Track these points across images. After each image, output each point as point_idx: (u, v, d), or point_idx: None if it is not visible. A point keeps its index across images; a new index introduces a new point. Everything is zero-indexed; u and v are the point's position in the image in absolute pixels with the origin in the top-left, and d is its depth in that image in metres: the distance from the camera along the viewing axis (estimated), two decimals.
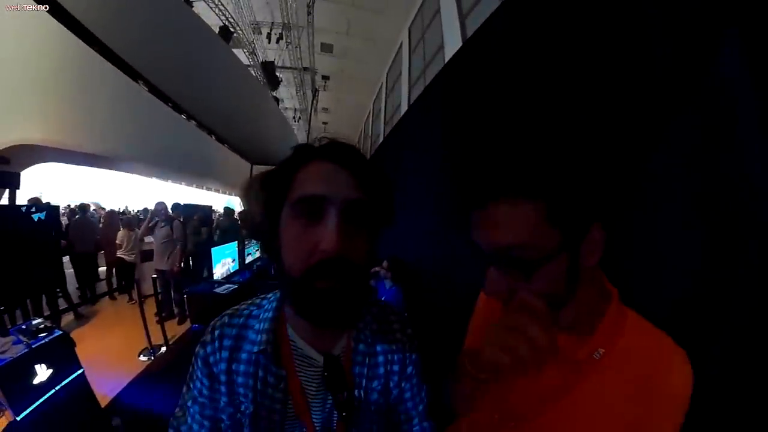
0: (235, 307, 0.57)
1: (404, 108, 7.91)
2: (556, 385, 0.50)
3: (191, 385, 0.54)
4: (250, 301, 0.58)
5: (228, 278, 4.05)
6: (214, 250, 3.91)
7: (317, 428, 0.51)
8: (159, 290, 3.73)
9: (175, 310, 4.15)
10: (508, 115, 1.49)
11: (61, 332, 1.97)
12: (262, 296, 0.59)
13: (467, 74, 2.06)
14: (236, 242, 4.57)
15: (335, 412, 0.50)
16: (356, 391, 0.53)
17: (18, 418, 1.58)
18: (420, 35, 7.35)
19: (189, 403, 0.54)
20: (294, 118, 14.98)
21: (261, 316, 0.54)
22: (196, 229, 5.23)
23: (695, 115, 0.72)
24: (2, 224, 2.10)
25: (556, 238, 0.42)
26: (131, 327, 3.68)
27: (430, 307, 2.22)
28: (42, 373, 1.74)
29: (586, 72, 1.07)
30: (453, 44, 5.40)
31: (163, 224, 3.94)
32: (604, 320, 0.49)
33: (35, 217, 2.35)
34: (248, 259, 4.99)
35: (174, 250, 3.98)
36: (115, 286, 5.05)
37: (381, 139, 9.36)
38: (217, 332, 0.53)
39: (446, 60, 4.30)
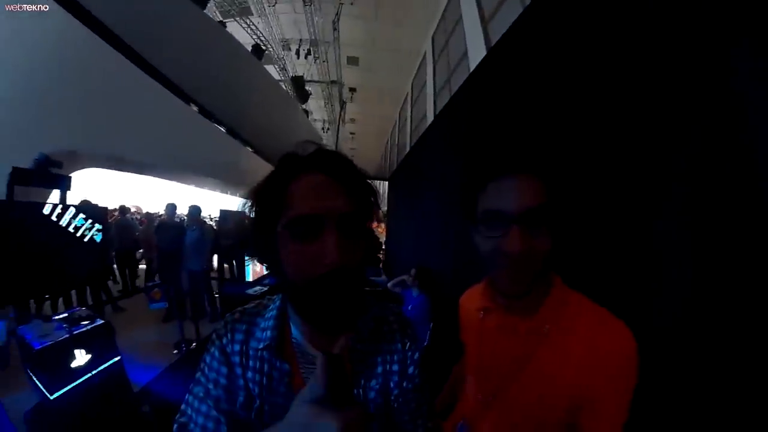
0: (245, 306, 0.61)
1: (430, 117, 7.95)
2: (518, 356, 0.60)
3: (202, 380, 0.54)
4: (257, 302, 0.61)
5: (259, 280, 4.25)
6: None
7: None
8: (187, 290, 3.96)
9: (208, 309, 4.39)
10: (528, 117, 1.54)
11: (102, 321, 2.16)
12: (268, 297, 0.62)
13: (490, 83, 2.08)
14: None
15: None
16: (354, 390, 0.54)
17: (51, 397, 1.74)
18: (443, 44, 7.41)
19: (197, 404, 0.53)
20: (323, 128, 15.48)
21: (266, 315, 0.57)
22: (230, 233, 5.52)
23: (700, 117, 0.73)
24: (52, 221, 2.34)
25: (554, 211, 0.54)
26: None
27: (457, 315, 2.18)
28: (80, 357, 1.92)
29: (597, 77, 1.10)
30: (476, 51, 5.40)
31: (194, 227, 4.19)
32: (547, 301, 0.60)
33: (79, 222, 2.60)
34: None
35: (205, 252, 4.21)
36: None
37: (407, 148, 9.43)
38: (229, 326, 0.57)
39: (470, 67, 4.32)
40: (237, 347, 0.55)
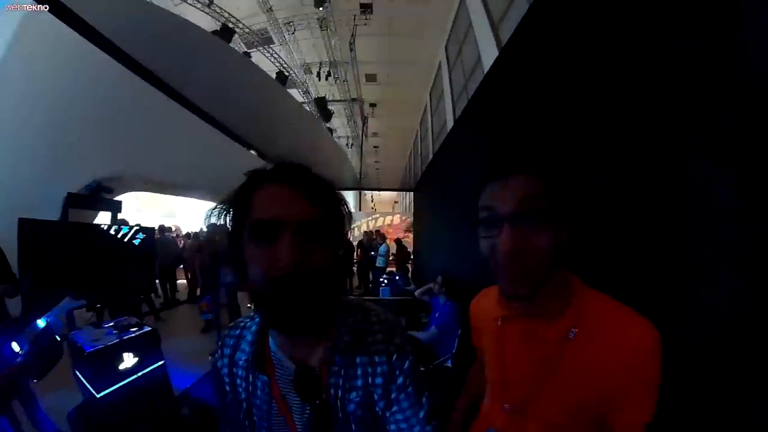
0: (237, 320, 0.67)
1: (450, 124, 8.00)
2: (545, 363, 0.59)
3: (219, 398, 0.63)
4: (252, 315, 0.65)
5: None
6: None
7: (299, 429, 0.56)
8: (224, 302, 4.20)
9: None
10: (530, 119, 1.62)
11: (150, 328, 2.38)
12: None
13: (502, 84, 2.14)
14: None
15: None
16: (332, 402, 0.55)
17: (98, 395, 1.93)
18: (457, 52, 7.50)
19: (223, 415, 0.64)
20: (347, 144, 15.91)
21: (252, 329, 0.61)
22: None
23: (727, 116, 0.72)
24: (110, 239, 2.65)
25: (553, 209, 0.54)
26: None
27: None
28: (128, 360, 2.12)
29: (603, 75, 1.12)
30: (489, 54, 5.43)
31: None
32: (572, 302, 0.58)
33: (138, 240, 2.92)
34: None
35: None
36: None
37: (430, 157, 9.49)
38: (220, 342, 0.64)
39: (485, 71, 4.36)
40: (226, 361, 0.62)
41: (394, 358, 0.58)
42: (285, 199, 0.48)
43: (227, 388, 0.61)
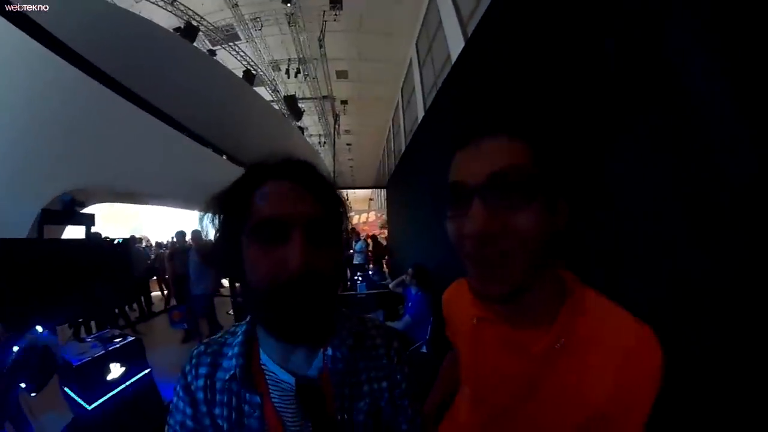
0: (212, 336, 0.57)
1: (421, 120, 8.14)
2: (526, 379, 0.49)
3: (170, 423, 0.51)
4: (224, 330, 0.57)
5: None
6: None
7: None
8: (199, 313, 4.08)
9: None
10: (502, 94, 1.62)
11: (133, 338, 2.36)
12: (236, 324, 0.57)
13: (468, 75, 2.18)
14: None
15: None
16: (338, 414, 0.49)
17: (89, 407, 1.89)
18: (427, 49, 7.65)
19: None
20: (319, 143, 15.74)
21: (233, 343, 0.52)
22: None
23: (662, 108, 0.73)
24: (87, 254, 2.56)
25: (539, 180, 0.41)
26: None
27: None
28: (115, 370, 2.07)
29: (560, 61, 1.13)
30: (458, 51, 5.59)
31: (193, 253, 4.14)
32: (563, 309, 0.47)
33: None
34: None
35: (207, 275, 4.08)
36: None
37: (402, 152, 9.60)
38: (194, 360, 0.52)
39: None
40: (201, 382, 0.50)
41: (396, 361, 0.56)
42: (292, 196, 0.45)
43: (205, 421, 0.49)
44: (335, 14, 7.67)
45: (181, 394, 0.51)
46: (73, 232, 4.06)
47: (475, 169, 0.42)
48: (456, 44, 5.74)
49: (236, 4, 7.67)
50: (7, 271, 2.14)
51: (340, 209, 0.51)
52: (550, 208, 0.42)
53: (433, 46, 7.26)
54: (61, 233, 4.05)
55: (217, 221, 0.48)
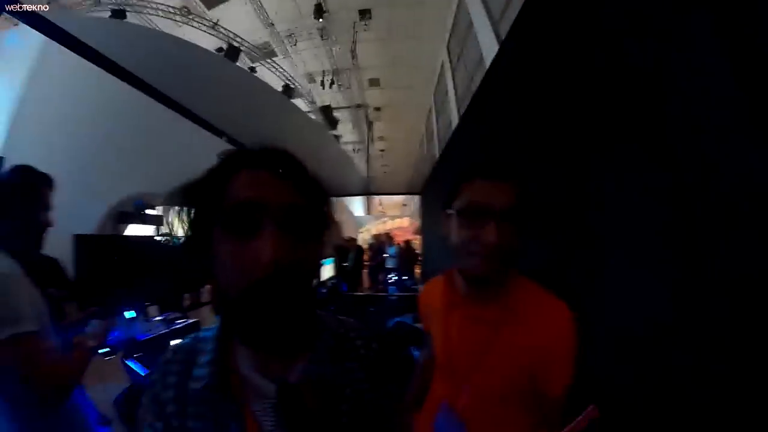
0: (181, 341, 0.53)
1: (455, 124, 7.98)
2: (483, 341, 0.71)
3: None
4: (195, 334, 0.53)
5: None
6: None
7: None
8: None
9: None
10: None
11: (194, 320, 2.75)
12: (206, 327, 0.53)
13: (501, 84, 2.14)
14: None
15: None
16: (321, 421, 0.45)
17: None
18: (459, 51, 7.49)
19: None
20: (354, 150, 16.00)
21: (206, 349, 0.48)
22: None
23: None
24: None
25: (523, 213, 0.67)
26: None
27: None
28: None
29: None
30: (491, 52, 5.41)
31: None
32: (508, 291, 0.71)
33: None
34: (323, 278, 5.50)
35: None
36: None
37: (437, 158, 9.47)
38: (162, 368, 0.48)
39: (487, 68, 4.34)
40: (171, 393, 0.46)
41: (377, 362, 0.54)
42: (266, 182, 0.41)
43: None
44: (365, 24, 7.78)
45: (150, 406, 0.46)
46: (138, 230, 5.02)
47: (496, 199, 0.65)
48: (489, 45, 5.56)
49: (272, 23, 8.06)
50: (101, 262, 2.55)
51: (323, 201, 0.47)
52: (519, 230, 0.66)
53: (464, 49, 7.10)
54: (125, 231, 4.76)
55: (185, 215, 0.44)
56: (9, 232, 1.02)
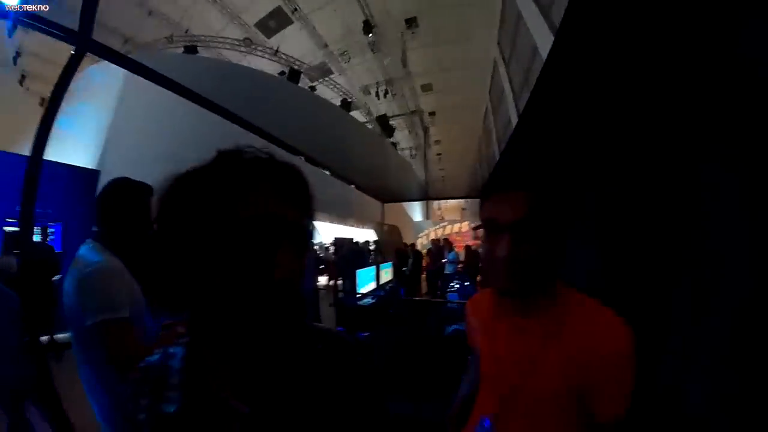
0: (149, 357, 0.49)
1: (514, 122, 7.62)
2: (531, 354, 0.66)
3: None
4: (164, 349, 0.48)
5: (368, 294, 4.92)
6: (358, 271, 4.87)
7: None
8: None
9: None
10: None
11: None
12: (176, 341, 0.49)
13: (559, 77, 2.04)
14: (374, 266, 5.57)
15: None
16: None
17: None
18: (511, 46, 7.18)
19: None
20: (411, 155, 16.15)
21: (176, 366, 0.44)
22: (345, 256, 6.45)
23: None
24: None
25: (544, 223, 0.62)
26: None
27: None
28: None
29: None
30: (545, 41, 5.11)
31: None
32: (558, 302, 0.67)
33: None
34: (382, 281, 5.75)
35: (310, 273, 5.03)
36: None
37: (497, 158, 9.12)
38: (134, 389, 0.46)
39: (544, 59, 4.05)
40: (144, 417, 0.43)
41: (356, 374, 0.50)
42: (283, 196, 0.41)
43: None
44: (412, 32, 7.91)
45: (126, 427, 0.45)
46: None
47: (506, 212, 0.62)
48: (542, 35, 5.24)
49: (326, 44, 8.66)
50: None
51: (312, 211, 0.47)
52: (546, 240, 0.61)
53: (516, 42, 6.78)
54: None
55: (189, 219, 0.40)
56: (117, 235, 1.14)
